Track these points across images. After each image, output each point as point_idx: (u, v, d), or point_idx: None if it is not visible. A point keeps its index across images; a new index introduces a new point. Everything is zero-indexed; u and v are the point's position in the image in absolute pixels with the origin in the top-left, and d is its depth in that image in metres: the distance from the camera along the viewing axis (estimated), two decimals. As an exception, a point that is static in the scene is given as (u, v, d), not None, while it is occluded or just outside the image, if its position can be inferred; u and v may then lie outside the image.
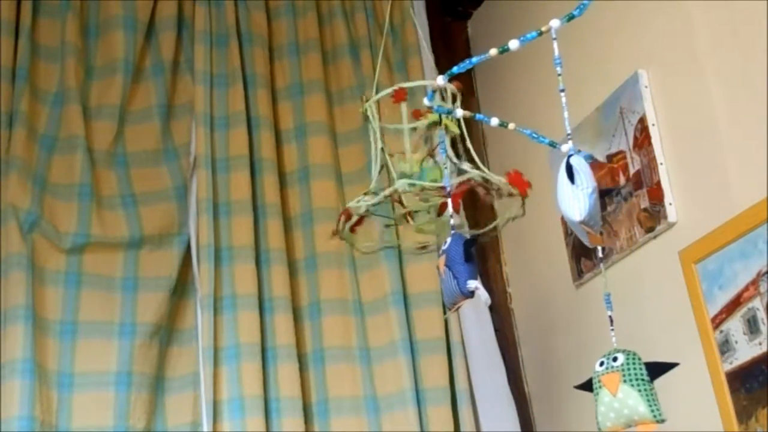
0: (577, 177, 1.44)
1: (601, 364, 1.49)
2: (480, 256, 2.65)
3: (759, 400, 1.69)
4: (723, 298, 1.79)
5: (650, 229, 2.03)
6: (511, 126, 1.65)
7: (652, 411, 1.42)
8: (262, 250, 2.47)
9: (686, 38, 1.94)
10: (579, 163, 1.46)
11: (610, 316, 1.55)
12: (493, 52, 1.53)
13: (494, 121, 1.65)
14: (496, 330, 2.58)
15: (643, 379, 1.44)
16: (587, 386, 1.51)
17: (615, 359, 1.47)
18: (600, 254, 1.69)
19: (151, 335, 2.35)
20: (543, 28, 1.51)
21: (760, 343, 1.69)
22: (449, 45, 2.91)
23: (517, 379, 2.57)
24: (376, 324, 2.46)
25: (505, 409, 2.48)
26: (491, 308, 2.59)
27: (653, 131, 2.03)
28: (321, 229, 2.50)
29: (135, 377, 2.30)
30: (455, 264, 1.59)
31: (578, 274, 2.32)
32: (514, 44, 1.50)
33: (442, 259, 1.61)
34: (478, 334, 2.54)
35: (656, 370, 1.46)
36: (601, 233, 1.51)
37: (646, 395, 1.43)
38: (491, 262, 2.71)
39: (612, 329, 1.54)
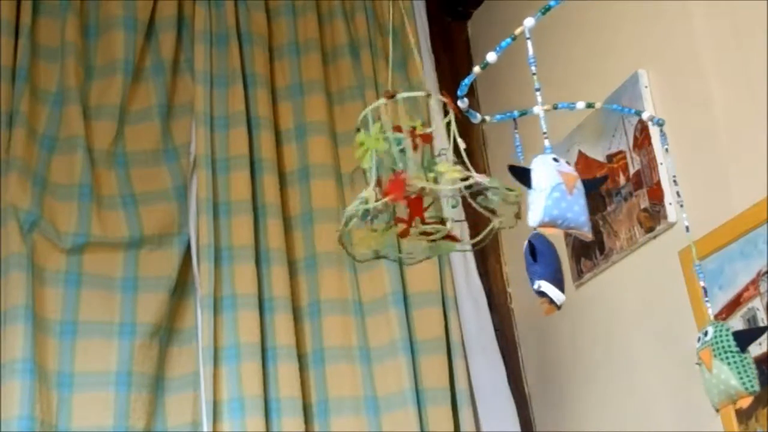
0: (534, 179, 1.38)
1: (698, 340, 1.45)
2: (480, 255, 2.65)
3: (759, 400, 1.69)
4: (723, 298, 1.79)
5: (650, 229, 2.03)
6: (598, 105, 1.60)
7: (743, 382, 1.37)
8: (262, 250, 2.47)
9: (686, 38, 1.94)
10: (539, 163, 1.40)
11: (704, 287, 1.54)
12: (477, 70, 1.52)
13: (580, 105, 1.60)
14: (496, 330, 2.58)
15: (732, 351, 1.38)
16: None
17: (706, 333, 1.43)
18: (686, 224, 1.63)
19: (151, 335, 2.35)
20: (516, 31, 1.48)
21: (760, 343, 1.69)
22: (449, 45, 2.91)
23: (517, 379, 2.57)
24: (376, 324, 2.46)
25: (505, 409, 2.49)
26: (491, 308, 2.59)
27: (653, 131, 2.03)
28: (321, 229, 2.50)
29: (135, 377, 2.30)
30: (528, 265, 1.53)
31: (578, 274, 2.32)
32: (491, 57, 1.49)
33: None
34: (478, 334, 2.55)
35: (746, 338, 1.41)
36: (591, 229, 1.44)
37: (736, 367, 1.38)
38: (491, 262, 2.71)
39: (707, 300, 1.50)
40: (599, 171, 2.21)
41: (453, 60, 2.87)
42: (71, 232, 2.36)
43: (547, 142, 1.44)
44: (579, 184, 1.40)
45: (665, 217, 1.98)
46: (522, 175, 1.39)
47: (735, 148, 1.81)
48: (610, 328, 2.21)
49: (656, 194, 2.01)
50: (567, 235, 2.35)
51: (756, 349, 1.70)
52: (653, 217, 2.02)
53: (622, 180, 2.13)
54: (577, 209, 1.37)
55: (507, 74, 2.65)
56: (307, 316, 2.48)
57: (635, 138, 2.09)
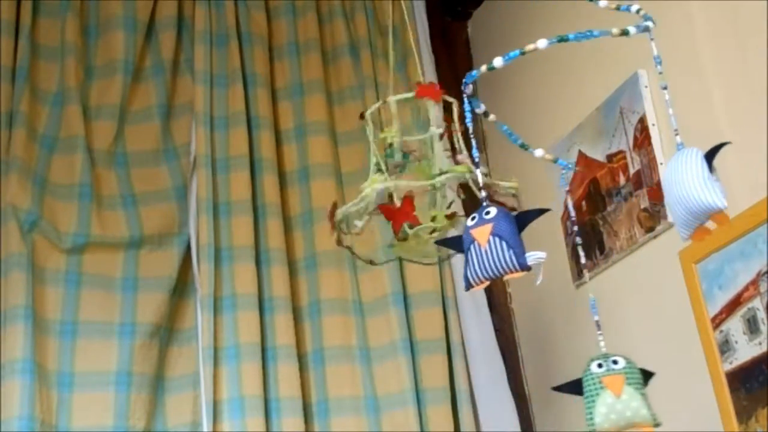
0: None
1: (600, 365, 1.51)
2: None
3: (759, 400, 1.69)
4: (723, 298, 1.79)
5: (650, 229, 2.03)
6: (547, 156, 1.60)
7: (652, 414, 1.45)
8: (262, 250, 2.47)
9: (686, 38, 1.94)
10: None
11: None
12: (483, 69, 1.52)
13: (538, 152, 1.60)
14: (496, 330, 2.58)
15: (642, 383, 1.47)
16: (573, 388, 1.52)
17: (615, 362, 1.49)
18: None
19: (151, 335, 2.35)
20: (527, 47, 1.49)
21: (760, 343, 1.69)
22: (449, 45, 2.91)
23: (517, 379, 2.57)
24: (376, 324, 2.46)
25: (505, 409, 2.48)
26: (491, 308, 2.59)
27: (653, 131, 2.03)
28: (321, 229, 2.50)
29: (135, 377, 2.30)
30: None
31: (578, 274, 2.32)
32: (498, 62, 1.49)
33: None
34: (478, 334, 2.55)
35: (647, 377, 1.50)
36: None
37: (646, 399, 1.46)
38: (491, 262, 2.71)
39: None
40: (599, 170, 2.21)
41: (453, 60, 2.86)
42: (71, 232, 2.36)
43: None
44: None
45: (665, 217, 1.98)
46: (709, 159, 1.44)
47: (735, 148, 1.81)
48: (610, 328, 2.20)
49: (656, 194, 2.01)
50: (566, 234, 2.35)
51: (756, 349, 1.70)
52: (653, 217, 2.02)
53: (622, 180, 2.13)
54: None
55: (507, 74, 2.65)
56: (307, 316, 2.48)
57: (635, 138, 2.09)
